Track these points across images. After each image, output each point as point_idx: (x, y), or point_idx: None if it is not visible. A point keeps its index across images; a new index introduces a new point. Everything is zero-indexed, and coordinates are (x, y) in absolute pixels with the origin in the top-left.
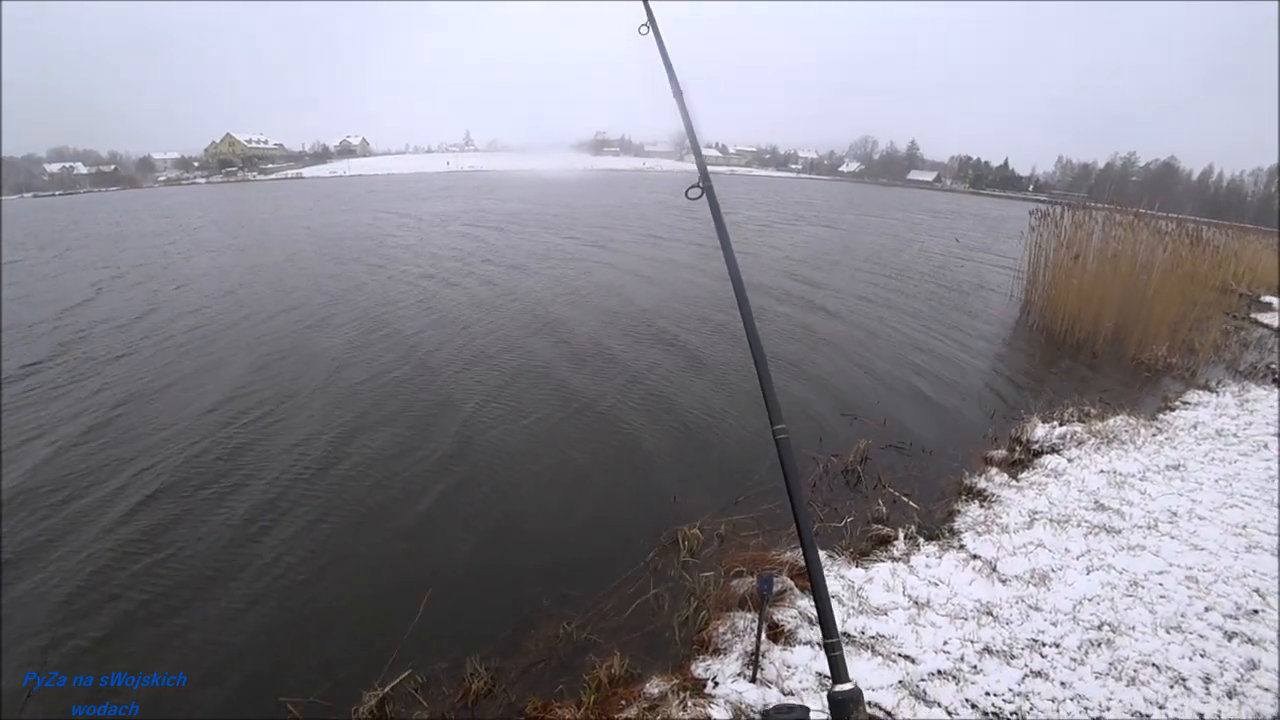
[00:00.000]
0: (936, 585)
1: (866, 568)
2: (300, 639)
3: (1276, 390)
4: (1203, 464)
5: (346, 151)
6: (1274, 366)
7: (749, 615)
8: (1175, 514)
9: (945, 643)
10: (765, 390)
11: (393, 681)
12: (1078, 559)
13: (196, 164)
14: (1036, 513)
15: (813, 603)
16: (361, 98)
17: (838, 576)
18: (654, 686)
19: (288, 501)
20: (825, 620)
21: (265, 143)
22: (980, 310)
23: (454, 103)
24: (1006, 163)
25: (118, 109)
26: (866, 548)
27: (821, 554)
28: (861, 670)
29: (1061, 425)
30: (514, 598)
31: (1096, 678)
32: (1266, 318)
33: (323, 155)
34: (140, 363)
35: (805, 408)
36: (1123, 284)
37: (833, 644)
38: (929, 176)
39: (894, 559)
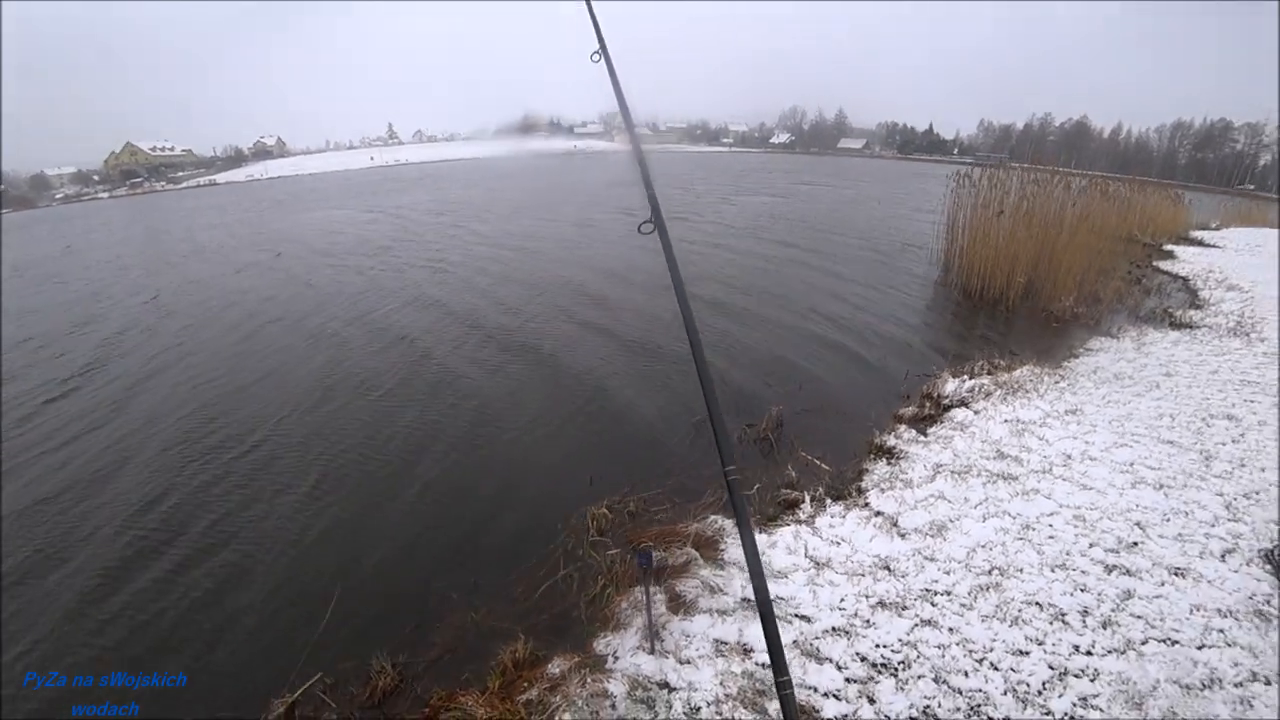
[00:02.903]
0: (838, 544)
1: (770, 533)
2: (209, 648)
3: (1172, 332)
4: (1099, 407)
5: (262, 153)
6: (1170, 310)
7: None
8: (1069, 456)
9: (841, 600)
10: (716, 428)
11: (302, 686)
12: (975, 508)
13: (96, 177)
14: (940, 466)
15: (715, 571)
16: (273, 96)
17: (738, 544)
18: (556, 666)
19: (193, 509)
20: (776, 660)
21: (171, 149)
22: (902, 269)
23: (373, 95)
24: (931, 127)
25: None
26: (775, 513)
27: (726, 523)
28: (757, 634)
29: (971, 379)
30: (421, 592)
31: (983, 621)
32: (1167, 264)
33: (236, 159)
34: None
35: (722, 376)
36: (1035, 240)
37: (784, 682)
38: (858, 144)
39: (799, 522)
